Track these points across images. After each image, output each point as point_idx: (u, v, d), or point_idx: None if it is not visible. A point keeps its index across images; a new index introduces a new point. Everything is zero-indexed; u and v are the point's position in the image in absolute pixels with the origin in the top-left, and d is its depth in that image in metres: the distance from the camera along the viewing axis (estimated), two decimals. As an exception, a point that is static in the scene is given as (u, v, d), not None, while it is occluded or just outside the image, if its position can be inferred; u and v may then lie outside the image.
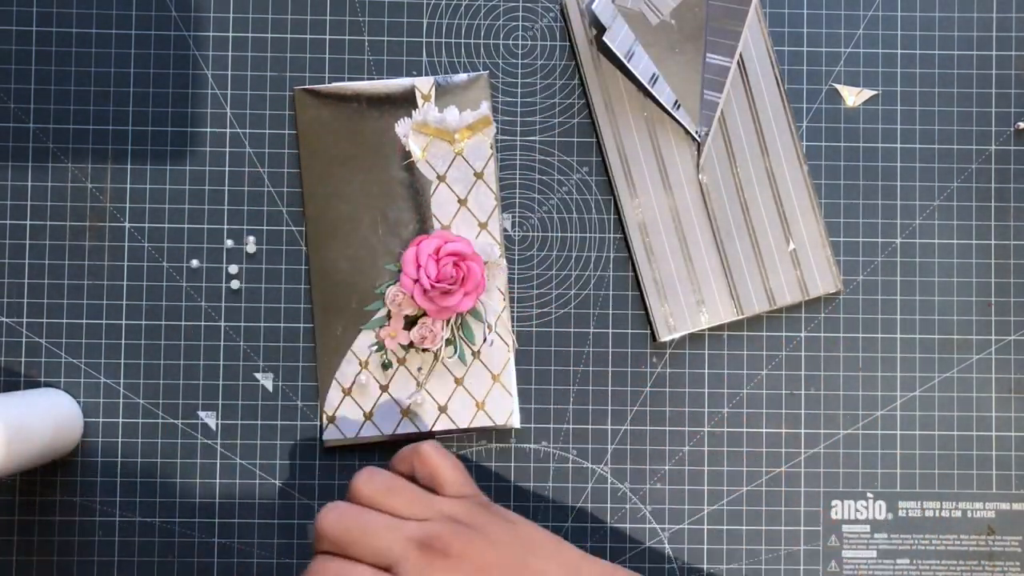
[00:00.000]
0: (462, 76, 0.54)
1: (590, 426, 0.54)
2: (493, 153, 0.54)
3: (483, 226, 0.54)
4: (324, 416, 0.53)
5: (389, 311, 0.53)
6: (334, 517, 0.42)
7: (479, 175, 0.54)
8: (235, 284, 0.54)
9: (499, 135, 0.55)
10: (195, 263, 0.54)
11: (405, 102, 0.54)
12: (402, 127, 0.54)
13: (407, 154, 0.54)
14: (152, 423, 0.53)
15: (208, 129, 0.54)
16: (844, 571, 0.54)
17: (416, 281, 0.52)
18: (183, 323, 0.54)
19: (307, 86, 0.54)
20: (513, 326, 0.54)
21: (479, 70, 0.55)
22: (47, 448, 0.49)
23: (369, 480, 0.43)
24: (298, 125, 0.54)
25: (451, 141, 0.54)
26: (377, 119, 0.54)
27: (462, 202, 0.54)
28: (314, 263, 0.54)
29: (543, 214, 0.55)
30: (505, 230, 0.55)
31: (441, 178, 0.54)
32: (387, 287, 0.53)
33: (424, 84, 0.54)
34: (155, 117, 0.54)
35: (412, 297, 0.52)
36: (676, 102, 0.54)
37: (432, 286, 0.52)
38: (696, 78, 0.54)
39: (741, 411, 0.54)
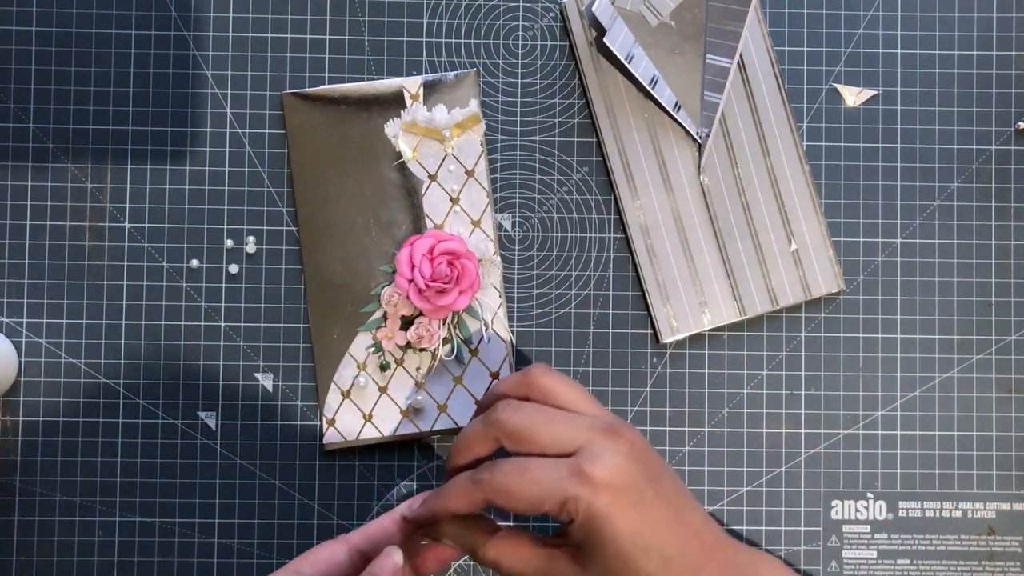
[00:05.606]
0: (451, 74, 0.54)
1: (590, 426, 0.54)
2: (484, 151, 0.54)
3: (476, 224, 0.54)
4: (324, 420, 0.53)
5: (385, 312, 0.53)
6: (520, 411, 0.43)
7: (470, 173, 0.54)
8: (235, 284, 0.54)
9: (499, 135, 0.55)
10: (195, 263, 0.54)
11: (394, 103, 0.54)
12: (392, 128, 0.54)
13: (398, 155, 0.54)
14: (152, 423, 0.53)
15: (208, 129, 0.54)
16: (844, 571, 0.54)
17: (411, 281, 0.52)
18: (183, 323, 0.54)
19: (295, 90, 0.54)
20: (513, 324, 0.54)
21: (479, 70, 0.55)
22: None
23: (549, 376, 0.45)
24: (287, 129, 0.54)
25: (441, 140, 0.54)
26: (366, 121, 0.54)
27: (454, 200, 0.54)
28: (308, 267, 0.54)
29: (543, 214, 0.55)
30: (505, 230, 0.55)
31: (432, 177, 0.54)
32: (382, 288, 0.53)
33: (412, 84, 0.54)
34: (155, 117, 0.54)
35: (408, 297, 0.52)
36: (677, 104, 0.54)
37: (427, 285, 0.51)
38: (696, 79, 0.54)
39: (741, 411, 0.54)
